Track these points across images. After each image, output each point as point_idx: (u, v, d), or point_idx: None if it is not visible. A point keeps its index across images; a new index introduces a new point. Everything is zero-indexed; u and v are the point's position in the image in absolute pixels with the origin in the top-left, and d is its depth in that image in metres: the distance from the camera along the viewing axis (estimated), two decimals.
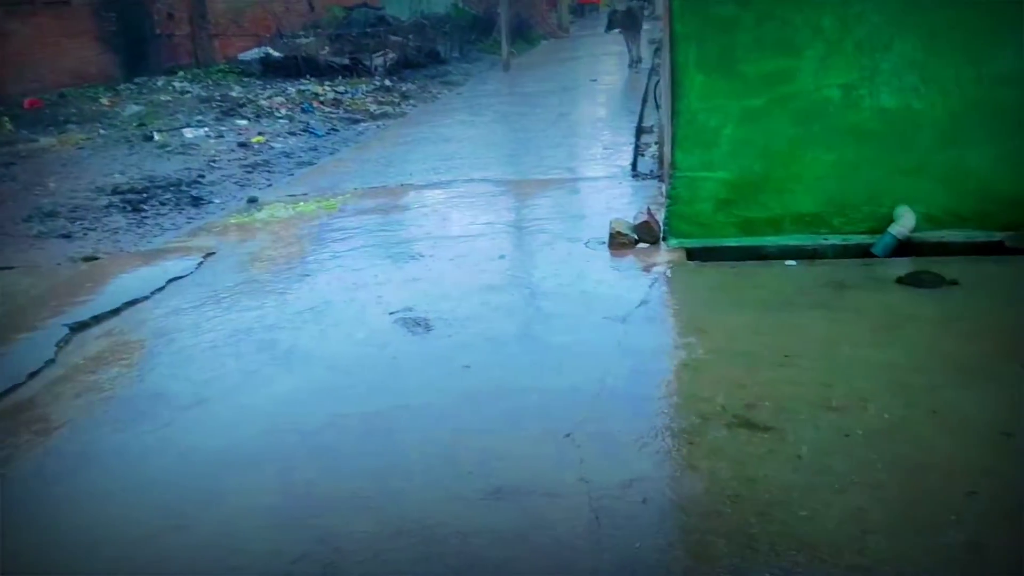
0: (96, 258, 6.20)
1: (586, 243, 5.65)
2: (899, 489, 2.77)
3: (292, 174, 9.15)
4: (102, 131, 11.80)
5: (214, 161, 9.92)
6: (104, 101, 14.15)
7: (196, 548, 2.75)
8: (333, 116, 13.12)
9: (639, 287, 4.78)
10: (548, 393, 3.60)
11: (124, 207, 7.84)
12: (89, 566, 2.71)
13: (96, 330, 4.63)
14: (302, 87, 15.60)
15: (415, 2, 23.78)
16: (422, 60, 19.31)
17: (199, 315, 4.76)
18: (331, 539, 2.72)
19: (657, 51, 9.34)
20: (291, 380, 3.90)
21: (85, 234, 7.00)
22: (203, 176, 9.12)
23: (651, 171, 7.55)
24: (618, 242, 5.49)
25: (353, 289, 5.04)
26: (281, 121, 12.55)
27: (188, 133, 11.41)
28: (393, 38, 19.35)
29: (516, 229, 6.30)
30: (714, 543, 2.56)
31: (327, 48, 18.81)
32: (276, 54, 17.91)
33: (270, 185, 8.65)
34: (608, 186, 7.37)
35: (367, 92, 15.27)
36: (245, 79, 16.74)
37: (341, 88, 15.59)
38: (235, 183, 8.85)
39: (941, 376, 3.53)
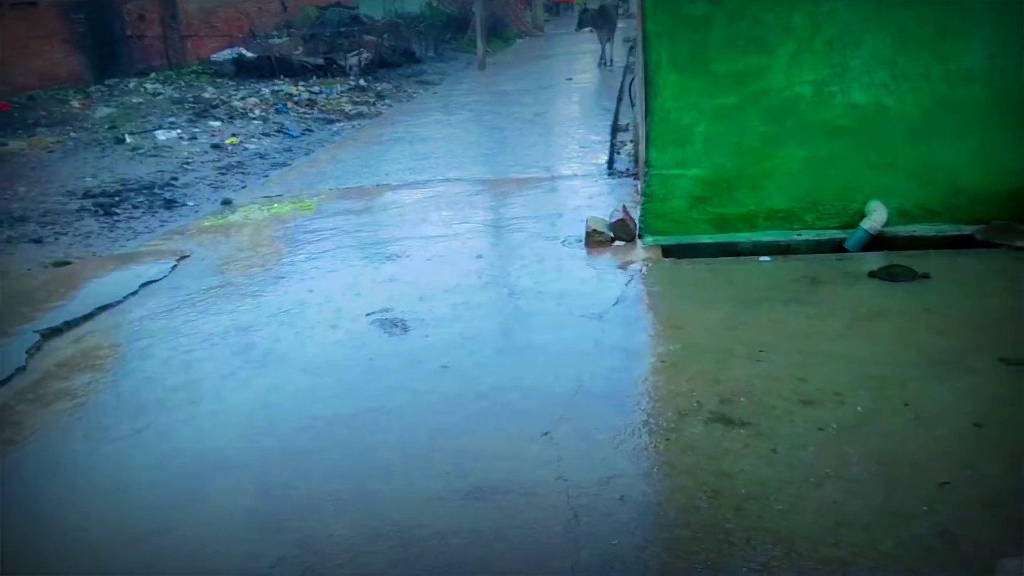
0: (68, 263, 6.12)
1: (563, 241, 5.67)
2: (873, 481, 2.81)
3: (267, 175, 9.09)
4: (73, 134, 11.65)
5: (187, 163, 9.83)
6: (74, 103, 13.96)
7: (173, 553, 2.73)
8: (308, 117, 13.04)
9: (616, 285, 4.81)
10: (526, 392, 3.61)
11: (96, 211, 7.75)
12: (65, 572, 2.68)
13: (68, 336, 4.58)
14: (276, 88, 15.48)
15: (389, 1, 23.66)
16: (397, 59, 19.24)
17: (173, 319, 4.72)
18: (310, 542, 2.71)
19: (632, 49, 9.38)
20: (267, 383, 3.88)
21: (56, 239, 6.92)
22: (176, 178, 9.04)
23: (627, 169, 7.58)
24: (594, 240, 5.51)
25: (329, 291, 5.02)
26: (255, 122, 12.46)
27: (161, 135, 11.29)
28: (367, 37, 19.23)
29: (493, 228, 6.30)
30: (691, 538, 2.59)
31: (301, 48, 18.66)
32: (249, 55, 17.72)
33: (244, 187, 8.58)
34: (584, 184, 7.39)
35: (342, 92, 15.18)
36: (218, 80, 16.57)
37: (315, 88, 15.49)
38: (209, 185, 8.77)
39: (914, 369, 3.57)
